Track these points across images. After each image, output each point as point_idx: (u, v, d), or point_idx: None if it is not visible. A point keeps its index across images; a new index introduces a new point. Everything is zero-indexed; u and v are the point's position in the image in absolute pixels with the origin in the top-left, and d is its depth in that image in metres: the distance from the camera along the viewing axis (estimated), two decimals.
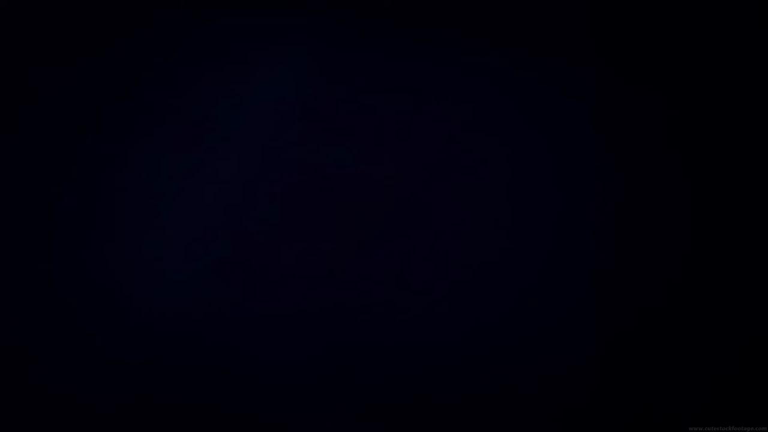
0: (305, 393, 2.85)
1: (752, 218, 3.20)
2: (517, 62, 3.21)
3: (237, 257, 2.97)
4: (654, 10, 3.23)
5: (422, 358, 3.07)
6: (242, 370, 2.80)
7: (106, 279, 2.83)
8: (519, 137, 3.21)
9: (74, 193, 2.87)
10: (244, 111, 3.11)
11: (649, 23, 3.26)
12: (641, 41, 3.25)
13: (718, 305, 3.19)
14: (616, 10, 3.25)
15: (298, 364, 2.98)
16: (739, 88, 3.23)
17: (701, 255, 3.21)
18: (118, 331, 2.78)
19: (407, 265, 3.14)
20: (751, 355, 3.16)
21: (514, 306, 3.12)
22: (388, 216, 3.15)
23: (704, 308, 3.19)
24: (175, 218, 2.96)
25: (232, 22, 3.19)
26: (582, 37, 3.22)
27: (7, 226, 2.87)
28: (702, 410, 3.12)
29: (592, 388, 3.16)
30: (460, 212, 3.16)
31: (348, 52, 3.20)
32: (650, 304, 3.20)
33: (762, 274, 3.19)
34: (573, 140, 3.20)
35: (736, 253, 3.20)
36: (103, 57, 2.99)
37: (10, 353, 2.70)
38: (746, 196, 3.20)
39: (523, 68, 3.21)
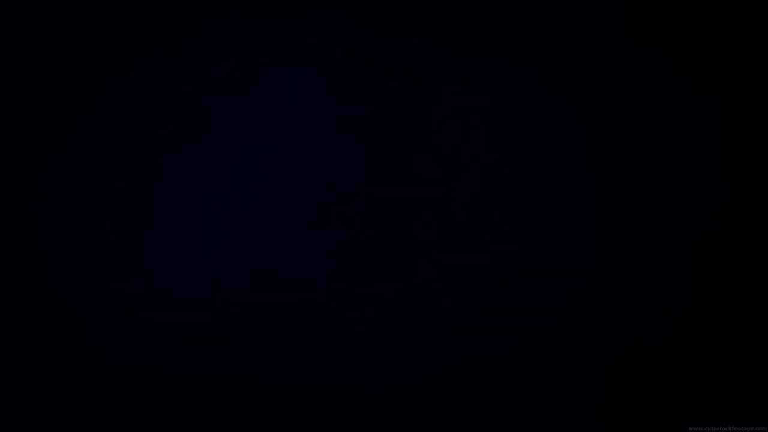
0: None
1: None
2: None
3: (248, 251, 3.14)
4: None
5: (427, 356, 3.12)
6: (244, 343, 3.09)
7: (147, 262, 3.14)
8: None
9: (120, 196, 3.16)
10: (259, 116, 3.19)
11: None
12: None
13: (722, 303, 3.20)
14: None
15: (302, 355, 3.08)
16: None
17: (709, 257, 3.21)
18: (154, 303, 3.12)
19: (418, 268, 3.17)
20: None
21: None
22: (395, 220, 3.19)
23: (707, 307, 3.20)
24: (199, 215, 3.15)
25: (242, 24, 3.22)
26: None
27: (66, 223, 3.14)
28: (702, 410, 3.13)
29: (592, 388, 3.16)
30: (471, 213, 3.19)
31: (360, 53, 3.23)
32: (651, 305, 3.20)
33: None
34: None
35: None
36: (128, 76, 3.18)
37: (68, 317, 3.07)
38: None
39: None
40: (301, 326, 3.12)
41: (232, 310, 3.11)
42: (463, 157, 3.22)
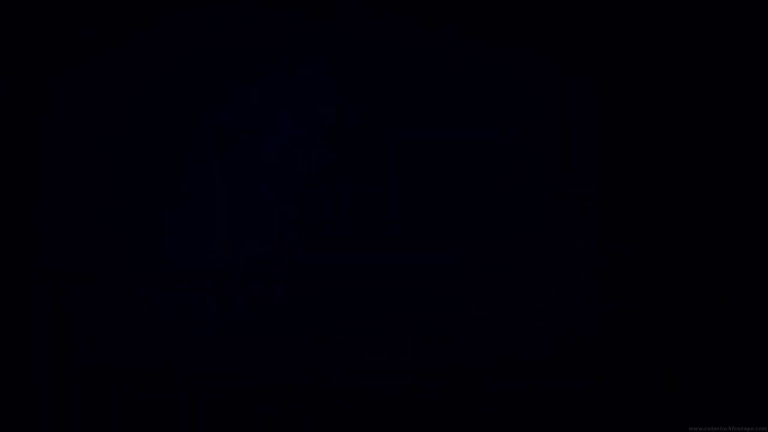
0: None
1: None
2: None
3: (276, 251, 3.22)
4: None
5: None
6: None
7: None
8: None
9: (185, 186, 3.27)
10: (284, 120, 3.26)
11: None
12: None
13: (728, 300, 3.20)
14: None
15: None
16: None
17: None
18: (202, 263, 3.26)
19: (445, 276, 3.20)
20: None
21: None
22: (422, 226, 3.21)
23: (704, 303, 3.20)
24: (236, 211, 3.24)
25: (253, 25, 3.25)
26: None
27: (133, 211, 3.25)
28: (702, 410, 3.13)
29: (592, 387, 3.16)
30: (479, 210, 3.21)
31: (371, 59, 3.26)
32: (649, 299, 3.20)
33: None
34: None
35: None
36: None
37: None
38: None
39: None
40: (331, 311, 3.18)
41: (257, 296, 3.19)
42: (463, 156, 3.24)
